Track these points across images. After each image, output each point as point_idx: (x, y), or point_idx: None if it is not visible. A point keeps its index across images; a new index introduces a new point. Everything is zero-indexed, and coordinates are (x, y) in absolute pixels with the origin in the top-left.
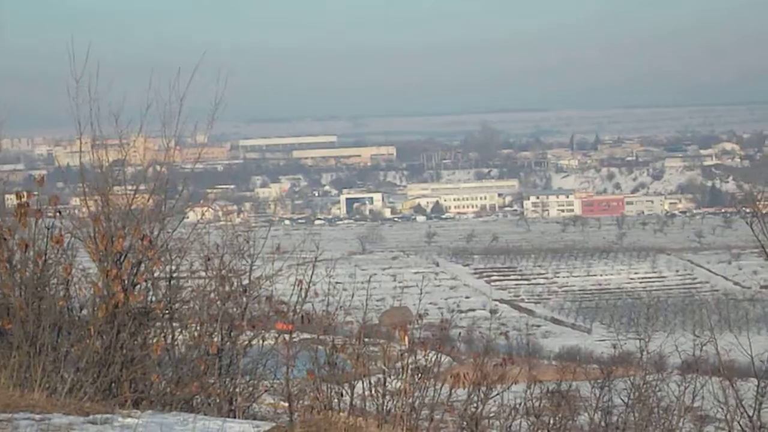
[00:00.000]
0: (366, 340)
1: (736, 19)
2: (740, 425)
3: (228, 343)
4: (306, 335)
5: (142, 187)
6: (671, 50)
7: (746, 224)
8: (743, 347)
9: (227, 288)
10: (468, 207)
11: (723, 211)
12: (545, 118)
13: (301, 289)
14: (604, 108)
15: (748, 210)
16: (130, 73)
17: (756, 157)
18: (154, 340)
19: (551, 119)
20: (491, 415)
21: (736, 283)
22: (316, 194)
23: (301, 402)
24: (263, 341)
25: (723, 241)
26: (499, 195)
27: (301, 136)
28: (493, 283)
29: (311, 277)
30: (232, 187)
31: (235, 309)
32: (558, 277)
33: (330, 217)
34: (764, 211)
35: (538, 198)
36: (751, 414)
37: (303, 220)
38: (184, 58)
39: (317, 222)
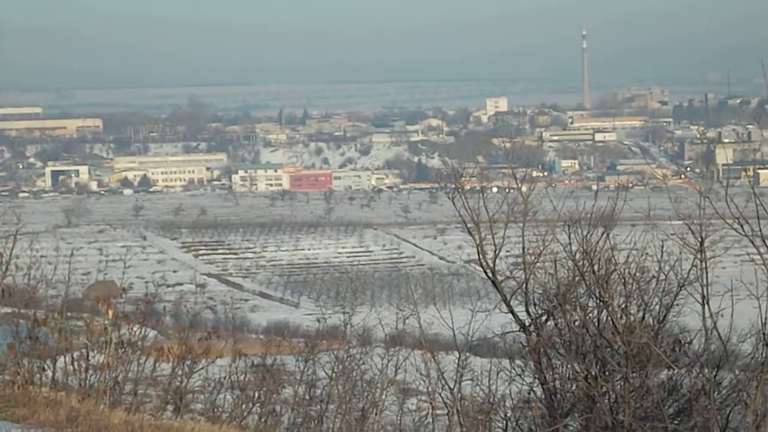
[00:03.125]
0: (69, 314)
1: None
2: (442, 397)
3: None
4: (7, 309)
5: None
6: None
7: (450, 200)
8: (445, 321)
9: None
10: (176, 181)
11: (429, 186)
12: (253, 92)
13: (1, 262)
14: (311, 83)
15: (452, 185)
16: None
17: (461, 133)
18: None
19: (259, 93)
20: (196, 388)
21: (441, 258)
22: (21, 166)
23: (1, 377)
24: None
25: (429, 216)
26: (208, 169)
27: (5, 107)
28: (201, 257)
29: (12, 250)
30: None
31: None
32: (266, 251)
33: (35, 189)
34: (467, 187)
35: (246, 172)
36: (452, 386)
37: (6, 193)
38: None
39: (21, 195)
